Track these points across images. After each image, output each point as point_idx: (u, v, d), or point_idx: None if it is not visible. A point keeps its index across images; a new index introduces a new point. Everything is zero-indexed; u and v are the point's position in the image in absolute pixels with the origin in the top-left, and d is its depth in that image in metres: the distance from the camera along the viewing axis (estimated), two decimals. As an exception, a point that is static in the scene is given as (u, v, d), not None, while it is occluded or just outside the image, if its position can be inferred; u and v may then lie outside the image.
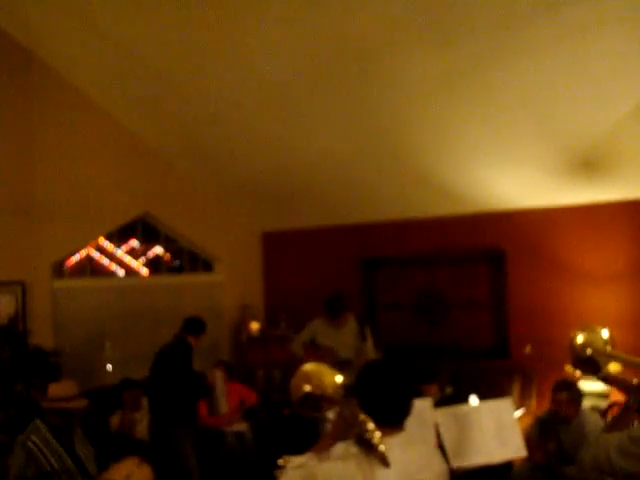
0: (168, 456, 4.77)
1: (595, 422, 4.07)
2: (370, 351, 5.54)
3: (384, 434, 2.04)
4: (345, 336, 5.67)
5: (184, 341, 5.07)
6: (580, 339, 2.76)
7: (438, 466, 2.23)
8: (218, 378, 5.19)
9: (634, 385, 2.55)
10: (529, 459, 4.08)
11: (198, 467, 4.98)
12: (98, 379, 6.20)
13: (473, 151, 5.47)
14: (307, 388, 2.36)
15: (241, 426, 6.01)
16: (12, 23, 5.58)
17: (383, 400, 2.14)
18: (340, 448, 2.15)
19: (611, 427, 2.51)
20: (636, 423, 2.46)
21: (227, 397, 5.52)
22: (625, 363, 2.79)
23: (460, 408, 3.87)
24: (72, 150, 6.15)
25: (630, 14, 3.84)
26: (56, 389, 3.83)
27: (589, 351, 2.71)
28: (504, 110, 4.90)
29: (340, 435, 2.19)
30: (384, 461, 1.97)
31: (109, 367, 6.46)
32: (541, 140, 5.14)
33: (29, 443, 3.61)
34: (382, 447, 1.98)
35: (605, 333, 2.78)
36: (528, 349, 5.68)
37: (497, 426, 3.67)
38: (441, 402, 4.26)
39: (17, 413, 4.84)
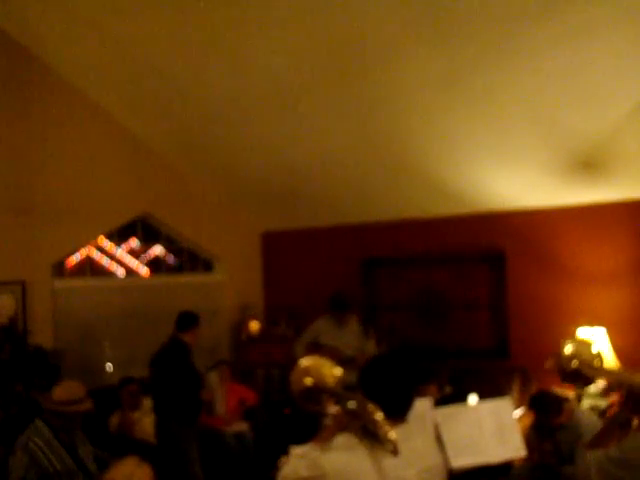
0: (174, 458, 4.77)
1: (591, 422, 4.06)
2: (372, 351, 5.54)
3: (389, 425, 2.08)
4: (348, 335, 5.67)
5: (178, 341, 5.01)
6: (568, 350, 2.62)
7: (437, 457, 2.30)
8: (214, 380, 5.17)
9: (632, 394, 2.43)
10: (528, 459, 4.08)
11: (202, 470, 4.97)
12: (98, 379, 6.20)
13: (473, 151, 5.47)
14: (308, 382, 2.37)
15: (241, 426, 6.01)
16: (12, 22, 5.58)
17: (389, 391, 2.21)
18: (343, 439, 2.18)
19: (594, 443, 2.41)
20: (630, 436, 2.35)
21: (225, 397, 5.52)
22: (613, 379, 2.61)
23: (459, 408, 3.86)
24: (72, 150, 6.15)
25: (630, 15, 3.84)
26: (63, 392, 3.75)
27: (575, 363, 2.57)
28: (504, 110, 4.90)
29: (343, 427, 2.22)
30: (394, 449, 2.01)
31: (109, 366, 6.46)
32: (541, 140, 5.14)
33: (31, 444, 3.59)
34: (392, 435, 2.02)
35: (596, 347, 2.64)
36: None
37: (496, 426, 3.67)
38: (440, 402, 4.26)
39: (17, 413, 4.84)
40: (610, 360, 5.17)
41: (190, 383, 4.93)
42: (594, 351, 2.63)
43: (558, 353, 2.64)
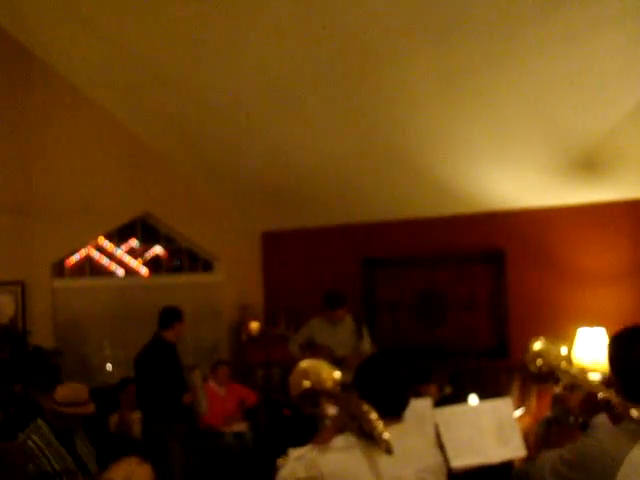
0: (156, 456, 4.74)
1: (601, 419, 4.05)
2: (366, 349, 5.54)
3: (384, 424, 2.09)
4: (342, 334, 5.68)
5: (160, 339, 4.99)
6: (537, 346, 2.61)
7: (435, 457, 2.29)
8: (196, 378, 5.10)
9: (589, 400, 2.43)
10: (529, 458, 4.08)
11: (183, 466, 4.93)
12: (98, 379, 6.20)
13: (473, 151, 5.46)
14: (306, 384, 2.38)
15: (241, 426, 6.01)
16: (11, 22, 5.58)
17: (383, 390, 2.22)
18: (340, 440, 2.20)
19: (549, 443, 2.41)
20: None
21: (207, 396, 5.47)
22: (573, 381, 2.61)
23: (460, 408, 3.86)
24: (72, 150, 6.16)
25: (630, 14, 3.84)
26: (66, 393, 3.73)
27: (539, 362, 2.58)
28: (504, 110, 4.90)
29: (341, 428, 2.22)
30: (388, 448, 2.01)
31: (109, 367, 6.46)
32: (541, 140, 5.14)
33: (29, 442, 3.59)
34: (386, 435, 2.03)
35: (565, 349, 2.63)
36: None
37: (497, 426, 3.66)
38: (441, 402, 4.26)
39: (17, 413, 4.84)
40: (597, 359, 5.18)
41: (171, 382, 4.88)
42: (563, 352, 2.62)
43: (526, 348, 2.64)
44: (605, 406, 2.30)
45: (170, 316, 5.05)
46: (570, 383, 2.57)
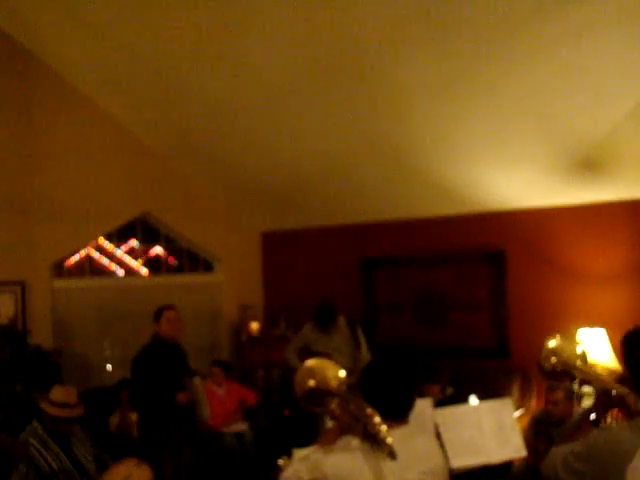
0: (155, 456, 4.69)
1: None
2: (365, 356, 5.51)
3: (389, 427, 2.08)
4: (337, 342, 5.64)
5: (154, 336, 4.89)
6: (552, 344, 2.61)
7: (438, 458, 2.29)
8: (197, 386, 5.01)
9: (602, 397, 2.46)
10: (527, 459, 4.08)
11: (179, 470, 4.87)
12: (98, 379, 6.20)
13: (473, 151, 5.46)
14: (311, 383, 2.38)
15: (241, 426, 6.01)
16: (12, 23, 5.58)
17: (388, 393, 2.22)
18: (345, 441, 2.19)
19: (565, 439, 2.43)
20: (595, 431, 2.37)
21: (208, 401, 5.42)
22: (588, 379, 2.63)
23: (460, 408, 3.87)
24: (72, 150, 6.16)
25: (629, 14, 3.83)
26: (59, 393, 3.81)
27: (553, 360, 2.57)
28: (504, 110, 4.90)
29: (345, 429, 2.22)
30: (392, 454, 2.01)
31: (109, 367, 6.46)
32: (541, 140, 5.14)
33: (28, 447, 3.60)
34: (389, 440, 2.02)
35: (580, 348, 2.66)
36: None
37: (497, 426, 3.67)
38: (441, 402, 4.26)
39: (16, 413, 4.84)
40: (600, 360, 5.17)
41: (166, 383, 4.72)
42: (578, 351, 2.64)
43: (543, 346, 2.64)
44: (619, 402, 2.33)
45: (157, 310, 4.98)
46: (589, 381, 2.61)
